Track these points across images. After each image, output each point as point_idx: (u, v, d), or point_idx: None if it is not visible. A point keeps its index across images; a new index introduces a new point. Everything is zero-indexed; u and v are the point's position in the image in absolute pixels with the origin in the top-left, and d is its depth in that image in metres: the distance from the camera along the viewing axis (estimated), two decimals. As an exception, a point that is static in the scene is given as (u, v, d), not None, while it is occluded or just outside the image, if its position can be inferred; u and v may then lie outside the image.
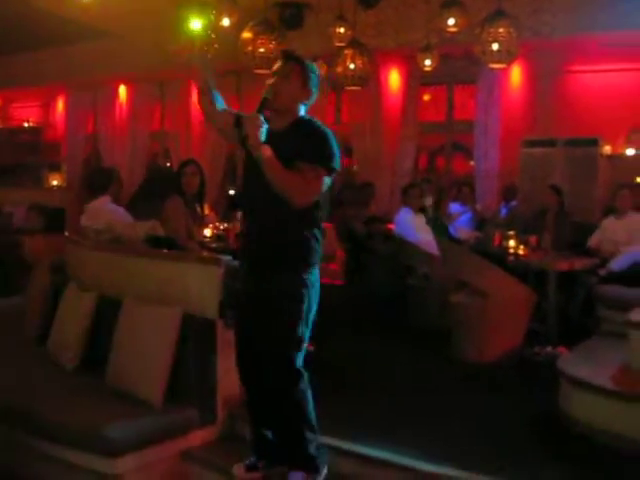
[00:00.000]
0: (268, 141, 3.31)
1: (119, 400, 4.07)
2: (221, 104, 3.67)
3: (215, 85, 3.65)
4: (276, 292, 3.43)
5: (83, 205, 6.19)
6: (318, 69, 3.69)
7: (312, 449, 3.50)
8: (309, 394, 3.51)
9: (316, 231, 3.50)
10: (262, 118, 3.30)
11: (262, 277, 3.49)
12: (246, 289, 3.59)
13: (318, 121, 3.55)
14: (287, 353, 3.43)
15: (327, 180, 3.40)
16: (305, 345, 3.50)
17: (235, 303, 3.76)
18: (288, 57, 3.59)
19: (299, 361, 3.48)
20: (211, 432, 4.17)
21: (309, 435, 3.49)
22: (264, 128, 3.29)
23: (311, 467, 3.50)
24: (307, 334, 3.51)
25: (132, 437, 3.73)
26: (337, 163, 3.43)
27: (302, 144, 3.39)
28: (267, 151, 3.28)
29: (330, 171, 3.40)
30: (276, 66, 3.57)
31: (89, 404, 4.04)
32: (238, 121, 3.48)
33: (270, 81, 3.50)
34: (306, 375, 3.50)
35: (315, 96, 3.62)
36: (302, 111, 3.59)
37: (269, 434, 3.67)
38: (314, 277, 3.51)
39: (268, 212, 3.47)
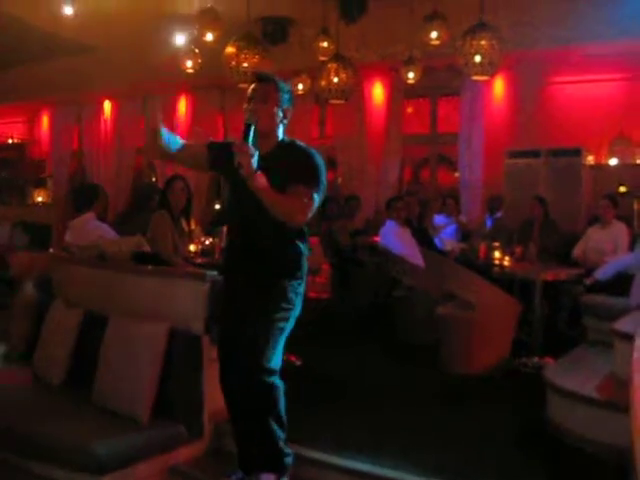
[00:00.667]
0: (257, 165, 3.32)
1: (106, 416, 4.05)
2: (177, 142, 3.67)
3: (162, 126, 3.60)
4: (266, 298, 3.48)
5: (68, 222, 6.18)
6: (290, 86, 3.73)
7: (281, 445, 3.54)
8: (281, 392, 3.54)
9: (302, 245, 3.56)
10: (251, 146, 3.29)
11: (250, 289, 3.52)
12: (232, 301, 3.60)
13: (299, 141, 3.62)
14: (261, 360, 3.44)
15: (317, 200, 3.44)
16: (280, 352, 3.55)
17: (218, 316, 3.77)
18: (262, 79, 3.62)
19: (275, 361, 3.51)
20: (198, 447, 4.15)
21: (278, 431, 3.53)
22: (256, 156, 3.28)
23: (280, 464, 3.54)
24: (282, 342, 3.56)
25: (119, 454, 3.70)
26: (324, 183, 3.49)
27: (293, 166, 3.44)
28: (262, 179, 3.29)
29: (319, 188, 3.44)
30: (251, 90, 3.58)
31: (75, 421, 4.01)
32: (228, 149, 3.41)
33: (249, 106, 3.51)
34: (279, 380, 3.54)
35: (291, 112, 3.65)
36: (281, 131, 3.62)
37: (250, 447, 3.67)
38: (302, 288, 3.58)
39: (255, 227, 3.52)
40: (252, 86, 3.60)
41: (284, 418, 3.56)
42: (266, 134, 3.52)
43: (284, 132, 3.65)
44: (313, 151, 3.54)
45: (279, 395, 3.53)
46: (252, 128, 3.34)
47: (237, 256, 3.67)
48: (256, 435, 3.58)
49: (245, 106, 3.52)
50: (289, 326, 3.55)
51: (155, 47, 9.91)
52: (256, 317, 3.47)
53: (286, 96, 3.59)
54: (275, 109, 3.53)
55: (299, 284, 3.55)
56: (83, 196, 6.25)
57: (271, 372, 3.50)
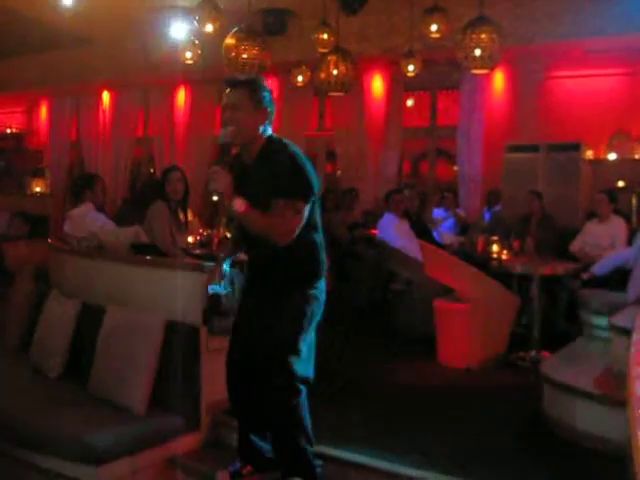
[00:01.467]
0: (240, 175, 3.29)
1: (103, 407, 4.05)
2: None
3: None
4: (281, 308, 3.42)
5: (66, 212, 6.17)
6: (263, 81, 3.56)
7: (309, 459, 3.48)
8: (306, 405, 3.48)
9: (316, 247, 3.50)
10: (223, 172, 3.27)
11: (266, 296, 3.49)
12: (249, 302, 3.58)
13: (286, 143, 3.45)
14: (286, 369, 3.39)
15: (306, 210, 3.34)
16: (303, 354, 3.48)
17: (222, 310, 3.74)
18: (231, 84, 3.47)
19: (300, 371, 3.44)
20: (195, 439, 4.16)
21: (306, 446, 3.46)
22: (226, 180, 3.25)
23: (308, 476, 3.48)
24: (306, 343, 3.49)
25: (116, 445, 3.71)
26: (315, 188, 3.37)
27: (276, 177, 3.30)
28: (239, 204, 3.23)
29: (308, 199, 3.33)
30: (224, 97, 3.45)
31: (72, 412, 4.02)
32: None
33: (223, 117, 3.41)
34: (304, 388, 3.48)
35: (272, 112, 3.49)
36: (267, 132, 3.47)
37: (257, 440, 3.66)
38: (319, 290, 3.50)
39: (263, 244, 3.41)
40: (225, 92, 3.46)
41: (310, 432, 3.49)
42: (249, 142, 3.42)
43: (270, 130, 3.50)
44: (298, 154, 3.38)
45: (305, 412, 3.47)
46: (225, 148, 3.33)
47: (254, 263, 3.62)
48: (282, 448, 3.53)
49: (223, 115, 3.43)
50: (310, 328, 3.49)
51: (154, 38, 9.91)
52: (274, 325, 3.43)
53: (265, 95, 3.44)
54: (248, 115, 3.37)
55: (316, 288, 3.48)
56: (77, 185, 6.24)
57: (297, 388, 3.44)
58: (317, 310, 3.50)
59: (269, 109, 3.46)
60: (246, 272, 3.71)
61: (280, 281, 3.45)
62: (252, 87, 3.43)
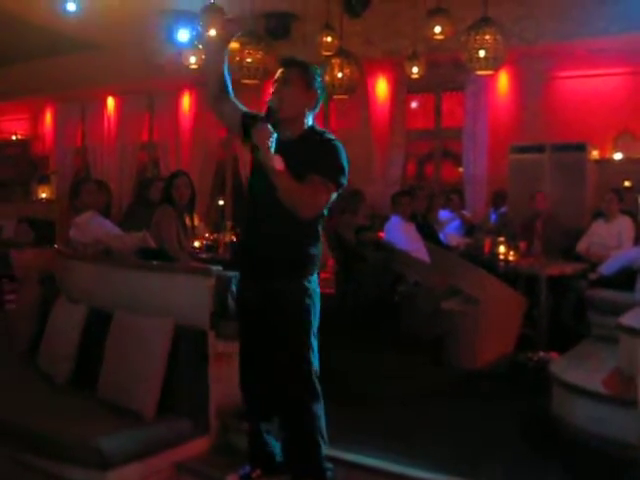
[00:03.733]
0: (278, 151, 3.24)
1: (111, 412, 4.05)
2: (231, 92, 3.60)
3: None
4: (283, 304, 3.41)
5: (71, 219, 6.16)
6: (321, 71, 3.62)
7: (321, 461, 3.47)
8: (322, 404, 3.48)
9: (316, 240, 3.48)
10: (270, 127, 3.23)
11: (265, 287, 3.45)
12: (250, 299, 3.54)
13: (330, 133, 3.50)
14: (304, 365, 3.40)
15: (334, 195, 3.35)
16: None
17: (238, 313, 3.72)
18: (287, 63, 3.52)
19: (315, 366, 3.45)
20: (204, 443, 4.15)
21: (323, 446, 3.47)
22: (273, 138, 3.21)
23: (323, 477, 3.47)
24: (315, 344, 3.48)
25: (125, 449, 3.71)
26: (346, 178, 3.38)
27: (315, 156, 3.33)
28: (278, 162, 3.19)
29: (339, 186, 3.35)
30: (277, 74, 3.50)
31: (81, 417, 4.02)
32: (247, 128, 3.38)
33: (272, 89, 3.45)
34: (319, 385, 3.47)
35: (321, 99, 3.53)
36: (310, 119, 3.50)
37: (270, 441, 3.66)
38: (314, 284, 3.48)
39: (272, 220, 3.41)
40: (278, 71, 3.51)
41: (325, 432, 3.49)
42: (289, 119, 3.41)
43: (314, 120, 3.54)
44: (338, 144, 3.41)
45: (322, 412, 3.48)
46: (272, 111, 3.30)
47: (253, 249, 3.56)
48: (298, 449, 3.52)
49: (271, 89, 3.47)
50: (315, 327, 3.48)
51: (159, 44, 9.93)
52: (283, 327, 3.43)
53: (314, 81, 3.48)
54: (298, 93, 3.41)
55: (311, 281, 3.46)
56: (68, 196, 6.21)
57: (316, 388, 3.46)
58: (317, 302, 3.49)
59: (318, 93, 3.50)
60: (241, 257, 3.69)
61: (279, 270, 3.42)
62: (306, 68, 3.49)
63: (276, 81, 3.47)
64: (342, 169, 3.36)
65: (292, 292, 3.41)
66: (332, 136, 3.47)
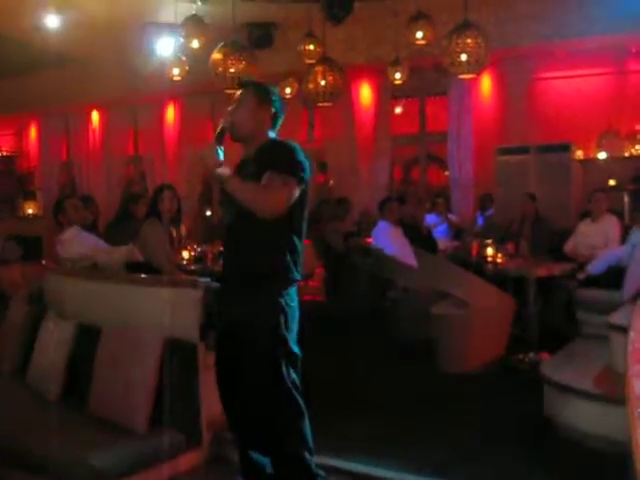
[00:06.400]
0: (242, 168, 3.33)
1: (103, 428, 4.02)
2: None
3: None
4: (250, 319, 3.37)
5: (56, 235, 6.12)
6: (275, 89, 3.66)
7: (311, 470, 3.41)
8: (305, 415, 3.42)
9: (287, 249, 3.38)
10: (216, 142, 3.30)
11: (236, 302, 3.45)
12: (224, 314, 3.57)
13: (287, 141, 3.50)
14: (278, 385, 3.35)
15: (296, 190, 3.28)
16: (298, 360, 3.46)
17: (215, 326, 3.74)
18: (241, 84, 3.64)
19: (296, 379, 3.41)
20: (197, 456, 4.13)
21: (308, 457, 3.39)
22: (219, 150, 3.28)
23: None
24: (296, 348, 3.44)
25: (118, 465, 3.68)
26: (307, 172, 3.33)
27: (269, 157, 3.34)
28: (225, 170, 3.26)
29: (299, 181, 3.28)
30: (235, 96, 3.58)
31: (73, 434, 3.99)
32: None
33: (228, 110, 3.50)
34: (300, 397, 3.40)
35: (280, 115, 3.56)
36: (271, 135, 3.53)
37: (257, 456, 3.64)
38: (289, 298, 3.40)
39: (237, 234, 3.44)
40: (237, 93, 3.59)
41: (311, 442, 3.42)
42: (247, 138, 3.46)
43: (277, 134, 3.57)
44: (293, 144, 3.42)
45: (304, 423, 3.41)
46: (223, 130, 3.37)
47: (226, 266, 3.60)
48: (283, 463, 3.47)
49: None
50: (289, 337, 3.42)
51: (142, 56, 9.91)
52: (249, 342, 3.39)
53: (272, 98, 3.51)
54: (249, 112, 3.44)
55: (284, 296, 3.38)
56: (52, 212, 6.15)
57: (290, 400, 3.39)
58: (294, 315, 3.43)
59: (274, 110, 3.52)
60: (221, 274, 3.68)
61: (244, 283, 3.40)
62: (257, 88, 3.54)
63: (233, 102, 3.53)
64: (299, 163, 3.32)
65: (262, 308, 3.35)
66: (287, 140, 3.50)
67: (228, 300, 3.53)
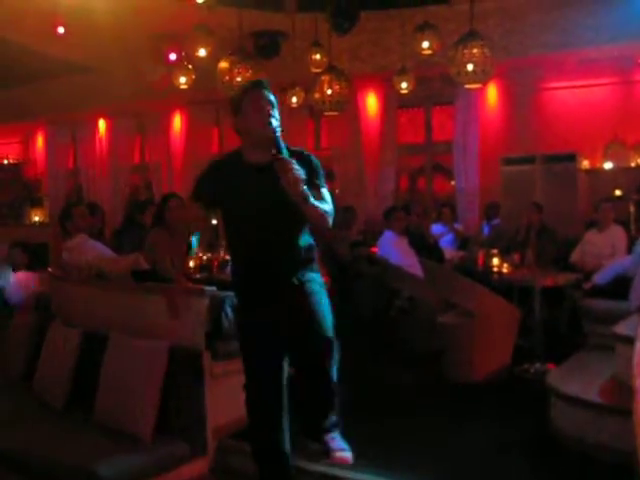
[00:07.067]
0: (265, 174, 3.31)
1: (109, 436, 4.03)
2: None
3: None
4: (309, 290, 3.53)
5: (63, 242, 6.13)
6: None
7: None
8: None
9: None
10: (293, 160, 3.24)
11: (288, 289, 3.50)
12: (268, 314, 3.53)
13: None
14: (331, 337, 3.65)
15: None
16: None
17: (246, 334, 3.68)
18: (264, 86, 3.51)
19: None
20: (202, 465, 4.13)
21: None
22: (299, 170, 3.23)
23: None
24: None
25: (122, 473, 3.68)
26: None
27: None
28: (309, 197, 3.26)
29: None
30: (262, 98, 3.46)
31: (79, 442, 4.00)
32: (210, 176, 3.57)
33: (269, 116, 3.40)
34: None
35: None
36: None
37: (284, 450, 3.60)
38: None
39: (281, 232, 3.44)
40: (259, 93, 3.47)
41: None
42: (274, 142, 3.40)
43: None
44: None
45: None
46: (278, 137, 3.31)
47: (267, 263, 3.52)
48: (324, 412, 3.65)
49: (261, 117, 3.41)
50: None
51: (149, 64, 9.95)
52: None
53: None
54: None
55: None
56: (59, 219, 6.15)
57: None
58: None
59: None
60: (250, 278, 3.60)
61: (301, 266, 3.52)
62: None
63: (270, 104, 3.44)
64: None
65: (314, 280, 3.56)
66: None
67: (273, 282, 3.52)
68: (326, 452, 3.53)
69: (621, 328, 4.67)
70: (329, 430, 3.58)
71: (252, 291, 3.58)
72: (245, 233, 3.52)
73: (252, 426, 3.57)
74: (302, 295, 3.51)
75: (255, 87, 3.52)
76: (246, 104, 3.46)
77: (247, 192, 3.40)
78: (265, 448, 3.59)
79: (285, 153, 3.25)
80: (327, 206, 3.38)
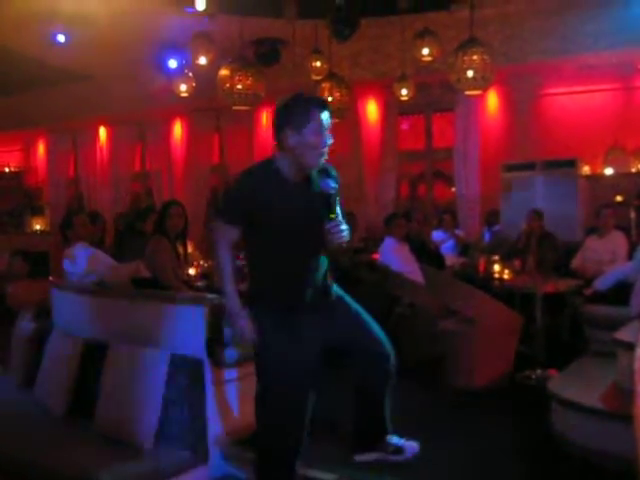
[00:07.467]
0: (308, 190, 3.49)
1: (110, 444, 4.03)
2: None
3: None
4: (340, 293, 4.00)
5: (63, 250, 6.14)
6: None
7: None
8: None
9: None
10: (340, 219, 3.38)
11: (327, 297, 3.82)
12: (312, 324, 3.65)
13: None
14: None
15: None
16: None
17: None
18: (328, 107, 3.61)
19: None
20: (203, 473, 4.12)
21: None
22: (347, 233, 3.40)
23: None
24: None
25: (124, 482, 3.69)
26: None
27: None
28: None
29: None
30: (325, 121, 3.53)
31: (80, 450, 3.99)
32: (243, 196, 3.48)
33: (324, 146, 3.56)
34: None
35: None
36: None
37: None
38: None
39: (316, 239, 3.50)
40: (325, 116, 3.52)
41: None
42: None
43: None
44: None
45: None
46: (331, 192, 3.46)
47: (309, 279, 3.66)
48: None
49: (320, 144, 3.52)
50: None
51: (149, 73, 9.97)
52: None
53: None
54: None
55: None
56: (60, 227, 6.16)
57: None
58: None
59: None
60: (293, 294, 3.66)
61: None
62: None
63: (328, 129, 3.50)
64: None
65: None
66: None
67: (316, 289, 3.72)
68: (393, 450, 3.99)
69: (622, 334, 4.66)
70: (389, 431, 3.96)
71: (295, 303, 3.64)
72: (289, 247, 3.53)
73: (275, 440, 3.56)
74: (339, 298, 3.94)
75: (323, 108, 3.49)
76: (309, 124, 3.43)
77: (290, 207, 3.43)
78: (287, 462, 3.59)
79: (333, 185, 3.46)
80: (346, 227, 3.40)
